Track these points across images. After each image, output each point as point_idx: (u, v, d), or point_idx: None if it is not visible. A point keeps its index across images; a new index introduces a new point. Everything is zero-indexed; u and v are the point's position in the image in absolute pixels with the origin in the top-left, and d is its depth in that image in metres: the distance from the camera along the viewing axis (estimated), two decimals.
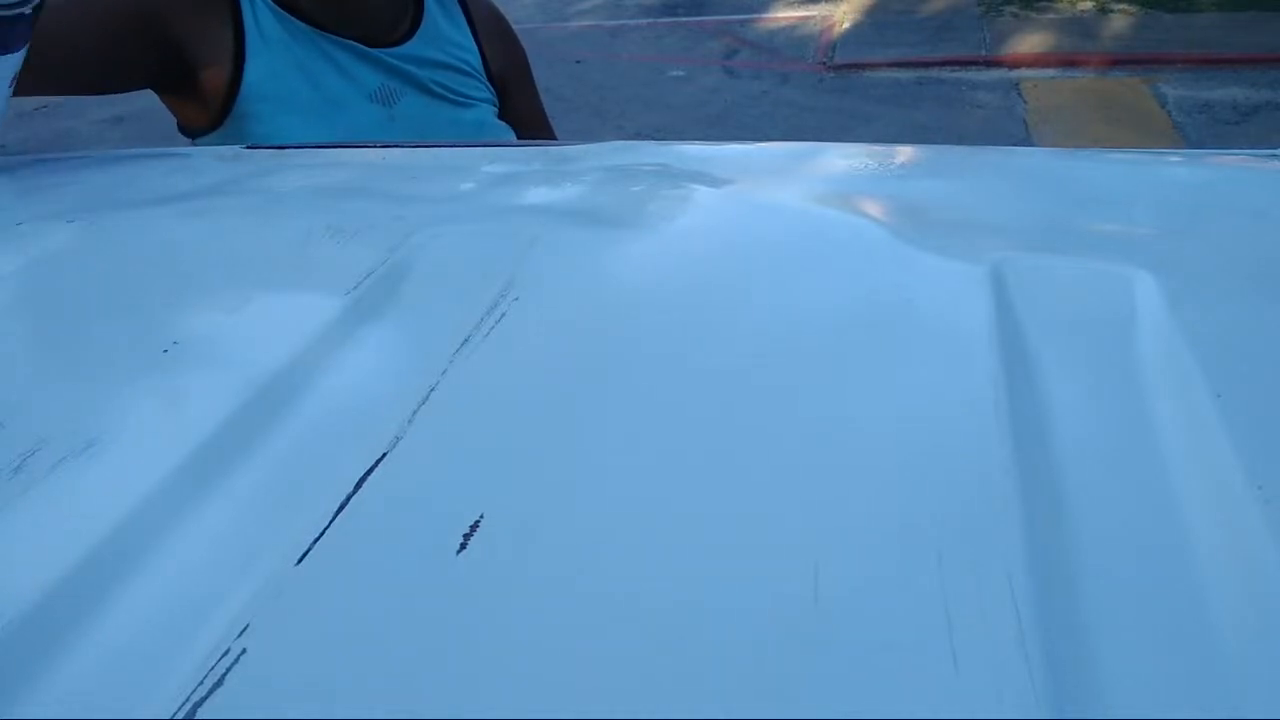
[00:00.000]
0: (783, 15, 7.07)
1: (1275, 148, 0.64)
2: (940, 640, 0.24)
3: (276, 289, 0.46)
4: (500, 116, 1.03)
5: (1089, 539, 0.27)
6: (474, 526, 0.28)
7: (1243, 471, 0.30)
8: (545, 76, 1.25)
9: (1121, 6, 6.27)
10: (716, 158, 0.66)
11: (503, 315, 0.40)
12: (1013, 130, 4.70)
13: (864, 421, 0.33)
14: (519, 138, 1.05)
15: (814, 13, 6.98)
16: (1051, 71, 5.47)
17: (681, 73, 6.05)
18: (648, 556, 0.27)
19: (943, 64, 5.69)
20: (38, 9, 0.59)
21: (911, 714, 0.22)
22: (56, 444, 0.33)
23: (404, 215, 0.51)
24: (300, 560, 0.27)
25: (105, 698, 0.24)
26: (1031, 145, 4.28)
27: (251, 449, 0.32)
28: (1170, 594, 0.26)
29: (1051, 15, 6.29)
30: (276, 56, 0.88)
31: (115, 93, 0.84)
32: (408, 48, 0.95)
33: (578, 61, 6.26)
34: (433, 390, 0.35)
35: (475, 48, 1.01)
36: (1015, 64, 5.60)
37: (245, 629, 0.25)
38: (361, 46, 0.91)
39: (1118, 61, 5.44)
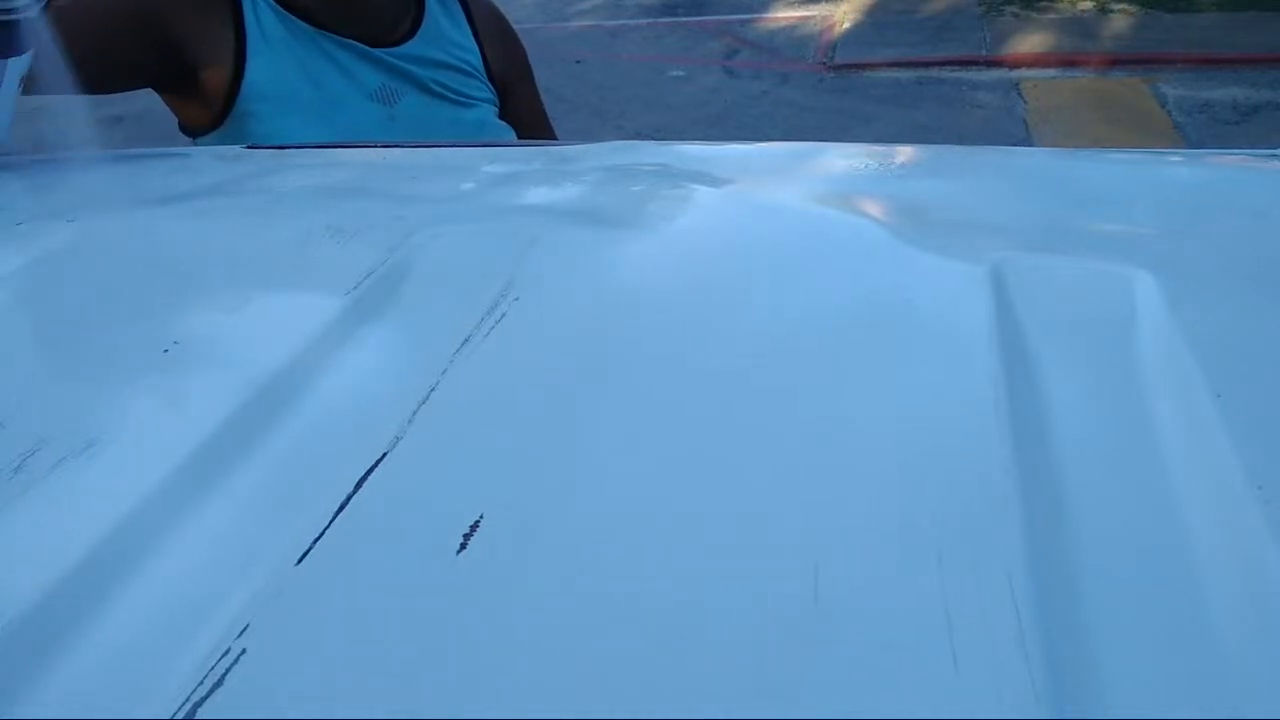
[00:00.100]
0: (783, 15, 7.06)
1: (1275, 148, 0.64)
2: (940, 640, 0.24)
3: (277, 289, 0.46)
4: (501, 116, 1.03)
5: (1089, 539, 0.27)
6: (474, 526, 0.28)
7: (1243, 471, 0.30)
8: (545, 76, 1.25)
9: (1121, 6, 6.26)
10: (716, 158, 0.66)
11: (503, 315, 0.40)
12: (1013, 130, 4.69)
13: (864, 421, 0.33)
14: (519, 138, 1.05)
15: (814, 13, 6.97)
16: (1052, 71, 5.47)
17: (681, 73, 6.05)
18: (648, 556, 0.27)
19: (943, 64, 5.68)
20: (42, 11, 0.59)
21: (911, 714, 0.22)
22: (56, 444, 0.33)
23: (404, 215, 0.51)
24: (300, 560, 0.27)
25: (105, 698, 0.24)
26: (1031, 145, 4.28)
27: (251, 449, 0.32)
28: (1170, 594, 0.26)
29: (1052, 15, 6.28)
30: (278, 56, 0.88)
31: (116, 92, 0.84)
32: (409, 47, 0.95)
33: (578, 61, 6.26)
34: (433, 390, 0.35)
35: (476, 48, 1.01)
36: (1015, 64, 5.59)
37: (245, 629, 0.25)
38: (363, 46, 0.91)
39: (1118, 61, 5.44)
